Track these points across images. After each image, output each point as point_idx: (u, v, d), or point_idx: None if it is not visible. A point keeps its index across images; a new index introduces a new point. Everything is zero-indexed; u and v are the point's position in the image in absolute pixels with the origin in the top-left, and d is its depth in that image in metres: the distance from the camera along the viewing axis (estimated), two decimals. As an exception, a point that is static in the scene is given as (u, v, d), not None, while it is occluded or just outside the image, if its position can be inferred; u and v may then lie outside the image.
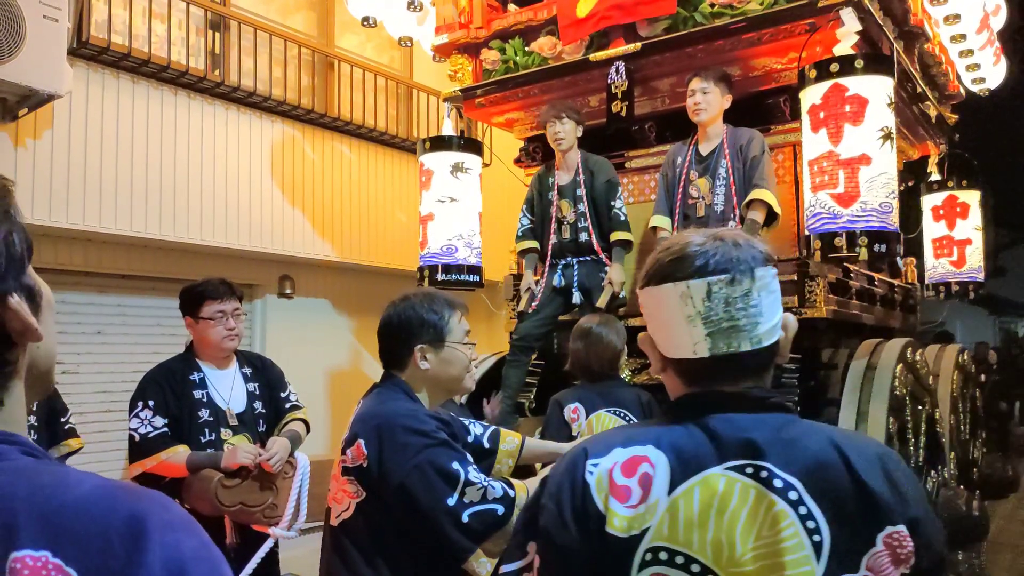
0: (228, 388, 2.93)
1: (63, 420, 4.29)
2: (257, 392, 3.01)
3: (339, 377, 6.78)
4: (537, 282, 4.07)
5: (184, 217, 5.36)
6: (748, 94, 4.02)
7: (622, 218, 3.91)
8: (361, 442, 1.76)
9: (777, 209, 3.55)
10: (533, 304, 4.01)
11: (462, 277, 4.45)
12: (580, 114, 4.04)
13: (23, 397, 0.74)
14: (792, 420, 1.05)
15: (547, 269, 4.04)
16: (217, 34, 5.73)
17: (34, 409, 4.15)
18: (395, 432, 1.74)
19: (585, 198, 3.95)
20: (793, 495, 0.96)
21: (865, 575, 0.95)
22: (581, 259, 3.95)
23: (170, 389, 2.80)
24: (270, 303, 6.41)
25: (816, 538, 0.94)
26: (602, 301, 3.75)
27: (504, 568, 1.10)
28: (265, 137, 5.90)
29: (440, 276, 4.43)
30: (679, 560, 0.96)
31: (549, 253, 4.04)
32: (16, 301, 0.70)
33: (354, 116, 6.46)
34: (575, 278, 3.91)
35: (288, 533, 2.79)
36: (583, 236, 3.95)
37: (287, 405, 3.11)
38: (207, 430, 2.81)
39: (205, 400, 2.84)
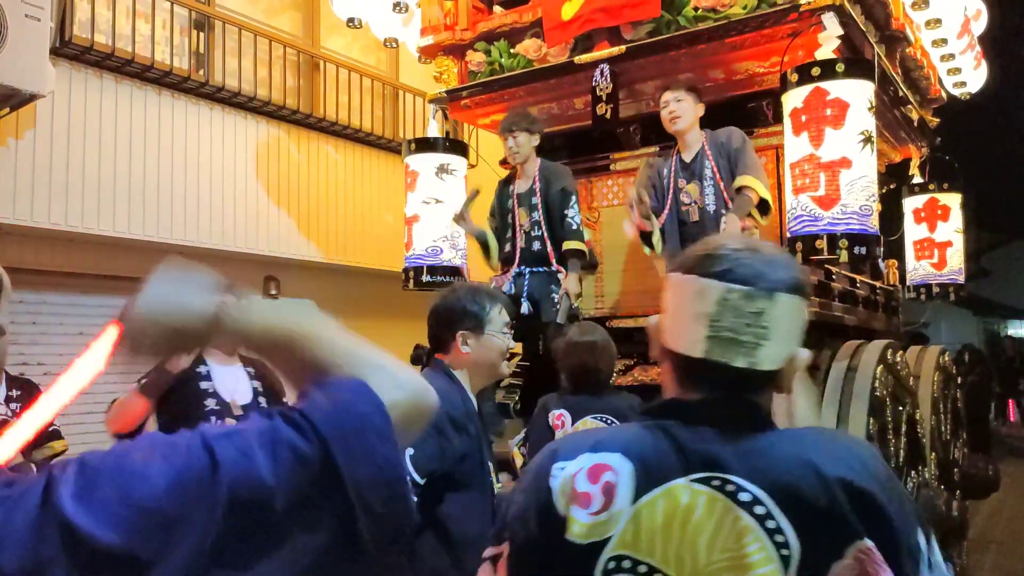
0: (233, 382, 2.98)
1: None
2: (261, 390, 3.06)
3: (324, 378, 6.77)
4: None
5: (168, 218, 5.34)
6: (731, 97, 4.05)
7: (574, 227, 3.89)
8: None
9: (764, 194, 3.49)
10: None
11: (447, 279, 4.45)
12: (536, 123, 4.03)
13: None
14: (764, 433, 1.03)
15: (507, 275, 4.04)
16: (201, 34, 5.71)
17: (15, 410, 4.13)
18: None
19: (540, 207, 3.95)
20: (760, 509, 0.95)
21: None
22: (534, 270, 3.94)
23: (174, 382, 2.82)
24: (255, 304, 6.38)
25: (784, 552, 0.93)
26: (562, 315, 3.76)
27: (484, 553, 1.11)
28: (250, 137, 5.88)
29: (425, 277, 4.43)
30: (642, 569, 0.96)
31: (515, 260, 4.02)
32: None
33: (339, 117, 6.45)
34: (525, 288, 3.91)
35: None
36: (536, 244, 3.95)
37: None
38: (213, 418, 2.84)
39: (211, 391, 2.89)
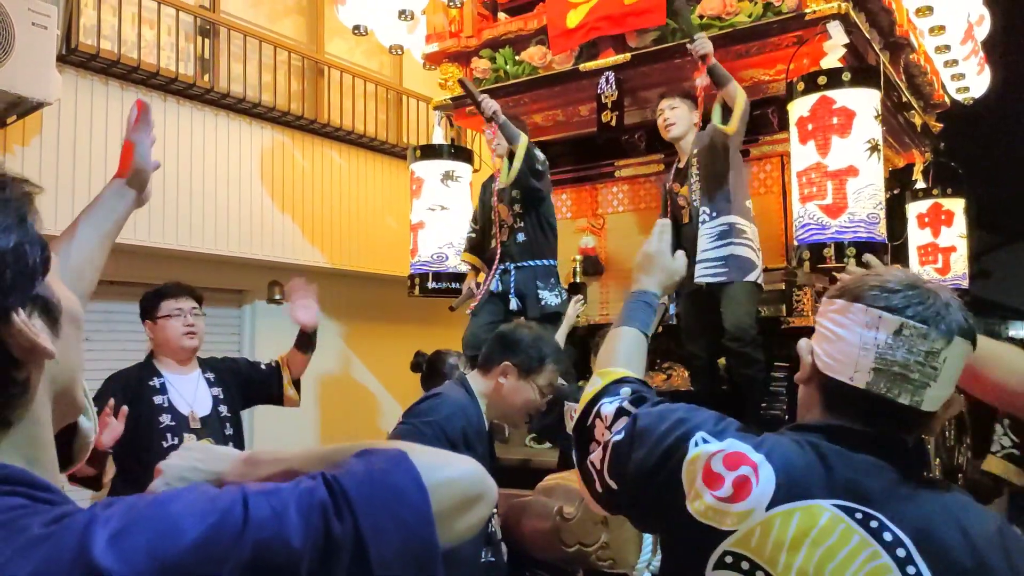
0: (191, 392, 2.88)
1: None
2: (222, 396, 2.96)
3: (329, 383, 6.77)
4: (479, 285, 4.06)
5: (173, 223, 5.35)
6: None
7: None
8: None
9: (735, 102, 3.38)
10: (472, 304, 4.01)
11: (452, 285, 4.47)
12: (517, 119, 4.01)
13: (43, 417, 0.70)
14: (914, 478, 1.03)
15: (492, 273, 3.99)
16: (206, 40, 5.72)
17: None
18: (420, 403, 2.18)
19: (519, 198, 3.89)
20: (901, 552, 0.94)
21: None
22: (519, 264, 3.89)
23: (122, 397, 2.70)
24: (259, 309, 6.39)
25: None
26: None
27: (603, 408, 1.19)
28: (255, 143, 5.89)
29: (431, 284, 4.44)
30: (759, 575, 0.97)
31: (496, 257, 3.98)
32: (22, 318, 0.65)
33: (343, 122, 6.46)
34: (512, 284, 3.87)
35: None
36: (520, 236, 3.90)
37: (273, 362, 3.28)
38: (169, 435, 2.75)
39: (166, 406, 2.79)
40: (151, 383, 2.82)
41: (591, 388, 1.26)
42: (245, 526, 0.60)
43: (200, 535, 0.59)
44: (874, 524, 0.96)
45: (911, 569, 0.93)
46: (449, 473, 0.74)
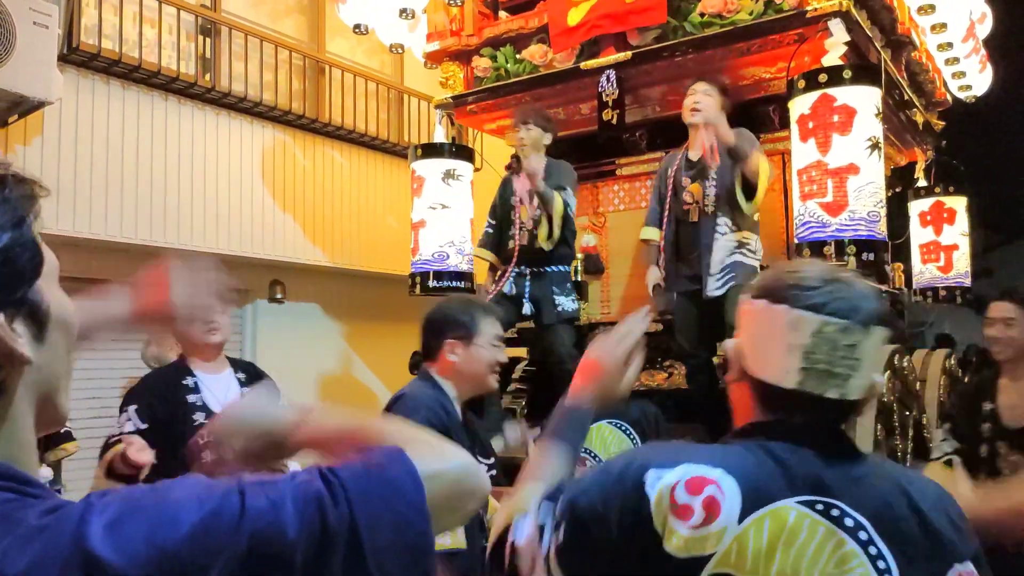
0: (223, 391, 2.90)
1: (58, 424, 4.28)
2: None
3: (330, 382, 6.78)
4: (495, 284, 4.02)
5: (175, 222, 5.35)
6: (737, 103, 4.04)
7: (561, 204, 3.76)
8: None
9: (761, 182, 3.37)
10: None
11: (453, 284, 4.46)
12: (551, 122, 3.98)
13: (23, 421, 0.70)
14: (860, 460, 1.07)
15: (506, 274, 3.94)
16: (208, 39, 5.73)
17: None
18: (393, 408, 2.13)
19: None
20: (863, 535, 0.97)
21: None
22: (535, 269, 3.85)
23: (157, 395, 2.78)
24: (260, 308, 6.40)
25: None
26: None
27: (519, 539, 1.10)
28: (256, 142, 5.90)
29: (432, 283, 4.44)
30: None
31: (513, 258, 3.93)
32: None
33: (345, 121, 6.46)
34: (527, 288, 3.83)
35: None
36: (537, 242, 3.85)
37: None
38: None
39: (200, 404, 2.82)
40: (184, 382, 2.86)
41: (495, 528, 1.19)
42: (242, 515, 0.61)
43: (197, 523, 0.59)
44: (835, 512, 0.99)
45: (873, 550, 0.97)
46: (444, 466, 0.75)
